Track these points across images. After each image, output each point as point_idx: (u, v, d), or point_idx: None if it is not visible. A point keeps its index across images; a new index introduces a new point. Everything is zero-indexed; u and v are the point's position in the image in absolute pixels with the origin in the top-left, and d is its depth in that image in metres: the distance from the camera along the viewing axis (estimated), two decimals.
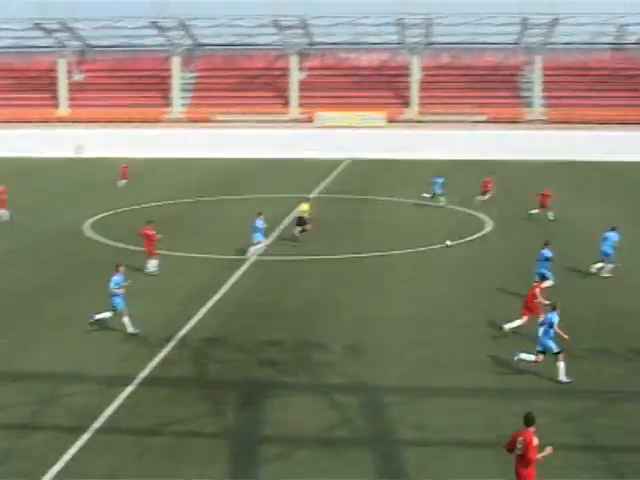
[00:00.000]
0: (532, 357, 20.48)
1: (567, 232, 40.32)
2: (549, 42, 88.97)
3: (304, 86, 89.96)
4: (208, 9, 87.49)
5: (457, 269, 32.52)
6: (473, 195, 50.32)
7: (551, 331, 20.32)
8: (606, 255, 31.39)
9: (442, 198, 49.32)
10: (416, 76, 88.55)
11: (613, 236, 31.78)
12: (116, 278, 23.76)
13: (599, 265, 31.39)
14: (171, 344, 22.77)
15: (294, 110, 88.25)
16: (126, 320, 23.46)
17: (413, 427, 17.59)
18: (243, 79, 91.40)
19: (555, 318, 20.40)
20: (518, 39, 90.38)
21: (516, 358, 20.65)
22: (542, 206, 44.37)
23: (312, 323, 25.01)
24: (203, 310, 26.06)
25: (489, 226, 42.23)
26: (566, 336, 20.32)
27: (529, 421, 13.76)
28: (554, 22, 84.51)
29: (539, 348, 20.49)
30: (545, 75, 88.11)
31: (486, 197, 49.78)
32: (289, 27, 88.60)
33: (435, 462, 16.06)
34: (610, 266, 31.33)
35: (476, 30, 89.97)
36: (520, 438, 13.53)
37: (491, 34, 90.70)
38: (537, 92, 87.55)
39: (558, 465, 15.40)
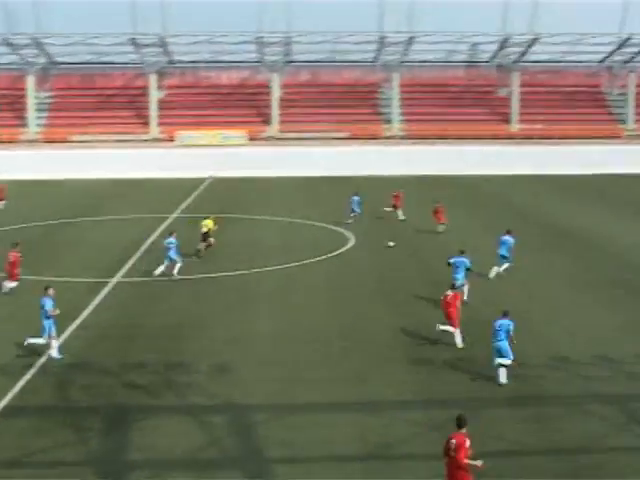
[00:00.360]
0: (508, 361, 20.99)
1: (426, 244, 41.45)
2: (406, 60, 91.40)
3: (164, 105, 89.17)
4: (64, 27, 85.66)
5: (321, 285, 32.83)
6: (338, 211, 50.91)
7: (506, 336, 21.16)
8: (503, 258, 33.36)
9: (352, 215, 48.35)
10: (276, 94, 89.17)
11: (509, 240, 33.72)
12: (49, 300, 23.37)
13: (498, 268, 33.28)
14: (31, 371, 22.07)
15: (154, 129, 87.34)
16: (54, 344, 23.10)
17: (281, 444, 17.62)
18: (101, 98, 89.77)
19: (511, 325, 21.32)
20: (376, 57, 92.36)
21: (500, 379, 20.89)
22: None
23: (178, 344, 24.74)
24: (64, 335, 25.37)
25: (352, 241, 42.83)
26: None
27: (461, 423, 14.03)
28: (410, 40, 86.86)
29: (497, 360, 20.98)
30: (403, 92, 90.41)
31: (396, 211, 49.42)
32: (147, 45, 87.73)
33: (304, 478, 16.13)
34: (505, 265, 33.39)
35: (335, 48, 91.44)
36: (453, 440, 13.71)
37: (350, 52, 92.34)
38: (395, 109, 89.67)
39: (429, 475, 15.74)
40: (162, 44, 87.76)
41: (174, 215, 51.72)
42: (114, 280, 33.43)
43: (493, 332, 21.59)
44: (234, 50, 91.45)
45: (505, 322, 21.47)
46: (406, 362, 22.81)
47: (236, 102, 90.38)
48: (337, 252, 39.76)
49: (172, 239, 34.35)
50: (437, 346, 24.10)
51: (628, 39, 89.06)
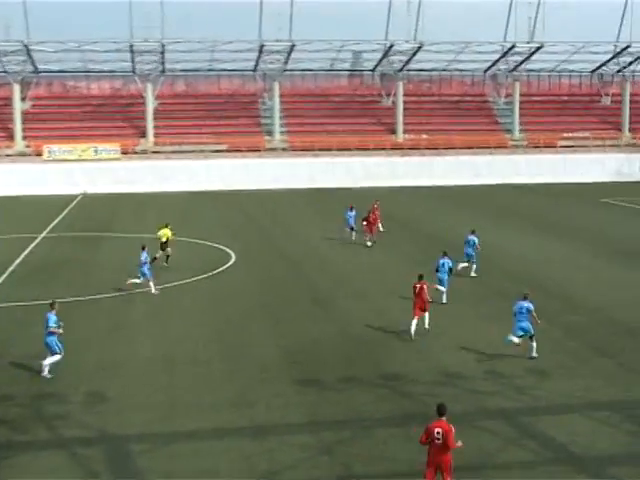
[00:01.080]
0: (515, 339, 24.73)
1: (308, 258, 41.77)
2: (287, 69, 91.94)
3: (30, 117, 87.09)
4: None
5: (200, 305, 32.64)
6: (217, 227, 50.75)
7: (528, 316, 24.75)
8: (469, 256, 36.98)
9: (349, 231, 48.21)
10: (151, 105, 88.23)
11: (473, 239, 37.26)
12: (53, 316, 23.57)
13: (464, 265, 36.67)
14: None
15: (19, 143, 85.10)
16: (53, 360, 23.44)
17: (161, 475, 17.37)
18: None
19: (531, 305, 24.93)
20: (256, 65, 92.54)
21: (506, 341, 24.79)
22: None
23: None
24: None
25: (233, 259, 42.75)
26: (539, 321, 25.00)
27: (442, 411, 15.42)
28: (291, 48, 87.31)
29: (520, 333, 24.63)
30: (284, 102, 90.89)
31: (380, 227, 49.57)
32: (11, 53, 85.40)
33: None
34: (474, 266, 36.96)
35: (212, 56, 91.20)
36: (438, 429, 15.13)
37: (228, 60, 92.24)
38: (277, 120, 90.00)
39: None
40: (26, 52, 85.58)
41: (43, 235, 50.56)
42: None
43: (515, 313, 25.04)
44: (105, 59, 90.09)
45: (525, 304, 24.92)
46: (293, 383, 22.86)
47: (108, 114, 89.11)
48: (217, 270, 39.58)
49: (145, 254, 34.68)
50: (324, 365, 24.25)
51: (512, 47, 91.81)
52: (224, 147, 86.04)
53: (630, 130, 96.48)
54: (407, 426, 19.67)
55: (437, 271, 32.08)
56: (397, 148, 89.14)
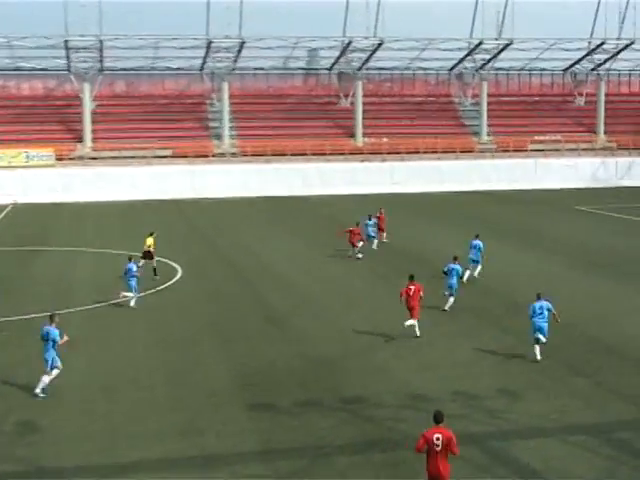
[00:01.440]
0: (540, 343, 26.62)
1: (262, 274, 41.77)
2: (237, 67, 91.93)
3: None
4: None
5: (144, 323, 32.40)
6: (164, 239, 50.49)
7: (548, 315, 26.77)
8: (474, 262, 39.95)
9: (369, 240, 49.16)
10: (88, 107, 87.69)
11: (479, 243, 40.21)
12: (54, 330, 24.01)
13: (471, 272, 39.41)
14: None
15: None
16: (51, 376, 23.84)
17: None
18: None
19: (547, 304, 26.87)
20: (203, 64, 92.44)
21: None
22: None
23: None
24: None
25: (179, 273, 42.57)
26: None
27: (439, 418, 15.86)
28: (241, 45, 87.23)
29: (538, 335, 26.45)
30: (234, 104, 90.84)
31: (381, 233, 51.43)
32: None
33: None
34: (479, 267, 39.96)
35: (156, 54, 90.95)
36: (437, 434, 15.57)
37: (173, 59, 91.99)
38: (226, 122, 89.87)
39: None
40: None
41: None
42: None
43: (533, 313, 26.63)
44: (37, 55, 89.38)
45: (545, 304, 26.77)
46: (245, 408, 22.75)
47: (41, 116, 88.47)
48: (162, 286, 39.38)
49: (133, 265, 35.28)
50: (279, 388, 24.18)
51: (480, 44, 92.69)
52: (169, 153, 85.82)
53: (605, 132, 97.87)
54: (369, 453, 19.66)
55: (445, 274, 34.11)
56: (356, 153, 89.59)
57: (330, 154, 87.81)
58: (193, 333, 30.94)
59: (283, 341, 29.75)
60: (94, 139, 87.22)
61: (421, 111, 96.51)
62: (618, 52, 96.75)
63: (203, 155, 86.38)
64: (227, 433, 21.04)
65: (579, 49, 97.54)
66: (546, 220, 63.75)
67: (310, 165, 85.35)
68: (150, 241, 42.16)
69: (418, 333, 29.40)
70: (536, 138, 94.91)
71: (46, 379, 23.85)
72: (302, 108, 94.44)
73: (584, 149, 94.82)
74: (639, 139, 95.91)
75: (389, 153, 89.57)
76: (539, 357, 26.42)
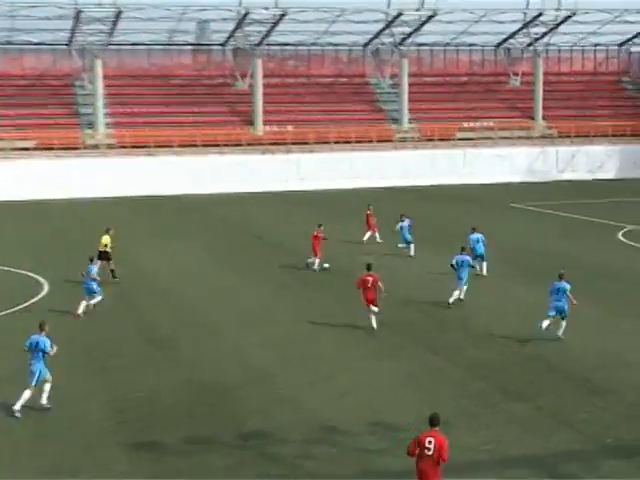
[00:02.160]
0: (547, 322, 31.10)
1: (139, 288, 41.48)
2: (112, 42, 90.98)
3: None
4: None
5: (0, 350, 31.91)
6: (25, 248, 49.83)
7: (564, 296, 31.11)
8: (481, 256, 43.72)
9: (405, 245, 50.47)
10: None
11: (478, 236, 44.23)
12: (44, 339, 25.20)
13: (480, 268, 43.43)
14: None
15: None
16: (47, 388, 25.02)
17: None
18: None
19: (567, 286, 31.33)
20: (71, 38, 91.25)
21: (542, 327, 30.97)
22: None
23: None
24: None
25: (46, 289, 42.04)
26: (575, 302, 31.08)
27: (434, 422, 17.29)
28: (117, 15, 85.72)
29: (553, 313, 31.04)
30: (108, 86, 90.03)
31: (374, 233, 54.03)
32: None
33: None
34: (485, 263, 43.85)
35: (13, 25, 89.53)
36: (430, 438, 16.97)
37: (34, 31, 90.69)
38: (100, 109, 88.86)
39: None
40: None
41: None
42: None
43: (550, 293, 31.40)
44: None
45: (563, 285, 31.08)
46: (124, 449, 22.52)
47: None
48: (25, 304, 38.79)
49: (93, 267, 36.82)
50: (164, 423, 23.98)
51: (399, 15, 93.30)
52: (31, 144, 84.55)
53: (544, 118, 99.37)
54: None
55: (454, 268, 37.61)
56: (256, 143, 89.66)
57: (225, 145, 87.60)
58: (60, 361, 30.46)
59: (168, 367, 29.55)
60: None
61: (331, 94, 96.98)
62: (558, 25, 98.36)
63: (72, 147, 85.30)
64: (104, 476, 20.76)
65: (514, 21, 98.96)
66: (475, 220, 64.29)
67: (201, 158, 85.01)
68: (106, 239, 42.71)
69: (375, 325, 32.62)
70: (464, 125, 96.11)
71: (27, 394, 24.70)
72: (191, 91, 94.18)
73: (520, 137, 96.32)
74: (583, 126, 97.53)
75: (294, 144, 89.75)
76: (561, 334, 31.42)
